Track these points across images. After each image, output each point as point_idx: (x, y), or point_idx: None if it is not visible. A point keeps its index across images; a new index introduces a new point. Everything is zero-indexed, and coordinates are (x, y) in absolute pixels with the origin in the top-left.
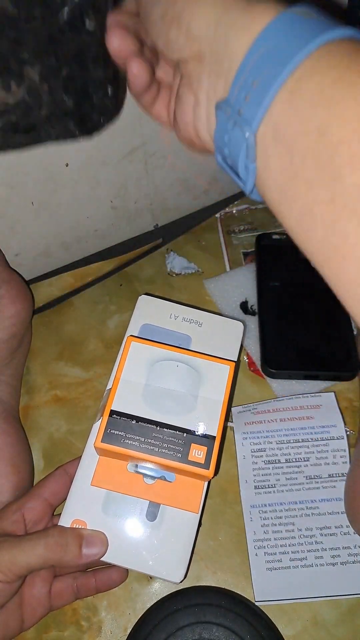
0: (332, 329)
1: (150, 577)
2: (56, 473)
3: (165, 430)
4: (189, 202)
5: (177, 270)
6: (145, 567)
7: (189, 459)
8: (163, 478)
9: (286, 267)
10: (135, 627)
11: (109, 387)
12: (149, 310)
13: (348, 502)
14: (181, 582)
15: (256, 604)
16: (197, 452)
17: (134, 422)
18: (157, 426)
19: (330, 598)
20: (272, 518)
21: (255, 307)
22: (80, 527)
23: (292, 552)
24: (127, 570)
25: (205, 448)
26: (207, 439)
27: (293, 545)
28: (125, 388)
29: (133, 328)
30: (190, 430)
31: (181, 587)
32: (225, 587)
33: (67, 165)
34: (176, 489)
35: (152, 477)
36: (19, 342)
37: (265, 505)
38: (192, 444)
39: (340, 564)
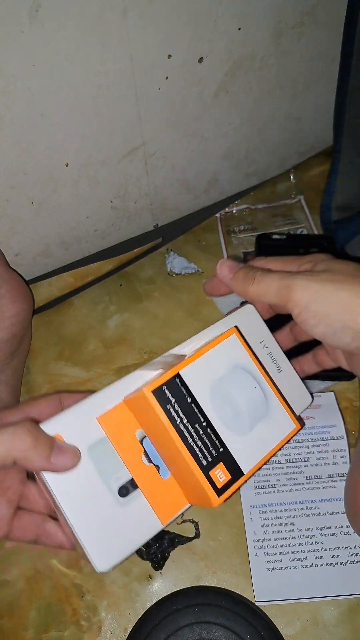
0: None
1: (81, 554)
2: (50, 397)
3: (209, 430)
4: (189, 202)
5: (177, 270)
6: (83, 534)
7: (210, 474)
8: (158, 468)
9: None
10: (136, 627)
11: (174, 351)
12: (247, 322)
13: (348, 502)
14: (101, 573)
15: (256, 604)
16: (220, 475)
17: (189, 399)
18: (204, 421)
19: (331, 598)
20: (272, 518)
21: None
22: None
23: (292, 553)
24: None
25: (230, 477)
26: (237, 470)
27: (293, 545)
28: (202, 367)
29: (225, 322)
30: (229, 450)
31: (181, 588)
32: (225, 587)
33: (67, 165)
34: (161, 488)
35: (150, 460)
36: (19, 342)
37: (265, 506)
38: (222, 463)
39: (341, 564)
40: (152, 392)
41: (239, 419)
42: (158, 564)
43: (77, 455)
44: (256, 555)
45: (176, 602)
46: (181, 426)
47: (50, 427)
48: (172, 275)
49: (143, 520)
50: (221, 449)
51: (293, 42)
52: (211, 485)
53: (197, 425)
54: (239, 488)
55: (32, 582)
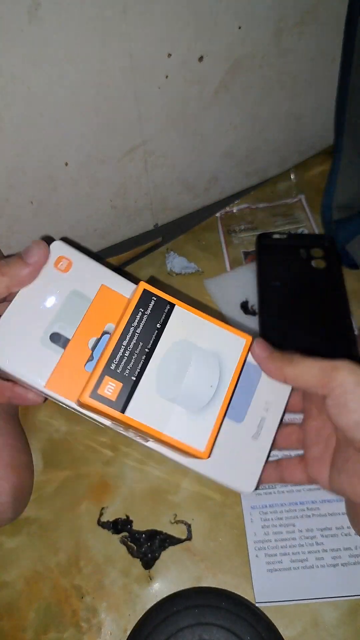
0: (333, 329)
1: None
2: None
3: (143, 359)
4: (189, 201)
5: (177, 270)
6: (2, 324)
7: (105, 377)
8: (90, 359)
9: (287, 266)
10: (135, 628)
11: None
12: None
13: (349, 503)
14: None
15: (256, 605)
16: (110, 389)
17: (159, 326)
18: (148, 350)
19: (331, 599)
20: (272, 519)
21: (256, 307)
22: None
23: (293, 554)
24: (45, 398)
25: (113, 400)
26: (124, 403)
27: (294, 546)
28: (194, 324)
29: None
30: (137, 387)
31: (181, 589)
32: (226, 589)
33: (66, 164)
34: (75, 370)
35: (93, 349)
36: None
37: (265, 506)
38: (122, 385)
39: (341, 565)
40: (144, 289)
41: (170, 383)
42: (147, 564)
43: (46, 247)
44: (256, 556)
45: (176, 603)
46: (131, 330)
47: (65, 249)
48: (172, 275)
49: (39, 367)
50: (134, 378)
51: (293, 41)
52: (95, 385)
53: (141, 345)
54: (109, 417)
55: (32, 582)
